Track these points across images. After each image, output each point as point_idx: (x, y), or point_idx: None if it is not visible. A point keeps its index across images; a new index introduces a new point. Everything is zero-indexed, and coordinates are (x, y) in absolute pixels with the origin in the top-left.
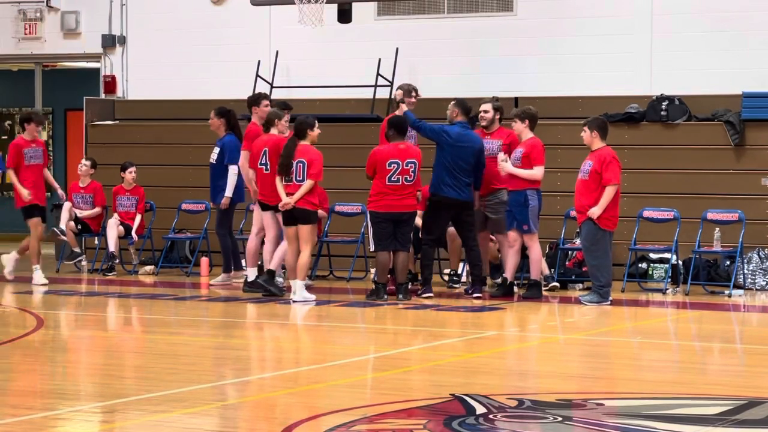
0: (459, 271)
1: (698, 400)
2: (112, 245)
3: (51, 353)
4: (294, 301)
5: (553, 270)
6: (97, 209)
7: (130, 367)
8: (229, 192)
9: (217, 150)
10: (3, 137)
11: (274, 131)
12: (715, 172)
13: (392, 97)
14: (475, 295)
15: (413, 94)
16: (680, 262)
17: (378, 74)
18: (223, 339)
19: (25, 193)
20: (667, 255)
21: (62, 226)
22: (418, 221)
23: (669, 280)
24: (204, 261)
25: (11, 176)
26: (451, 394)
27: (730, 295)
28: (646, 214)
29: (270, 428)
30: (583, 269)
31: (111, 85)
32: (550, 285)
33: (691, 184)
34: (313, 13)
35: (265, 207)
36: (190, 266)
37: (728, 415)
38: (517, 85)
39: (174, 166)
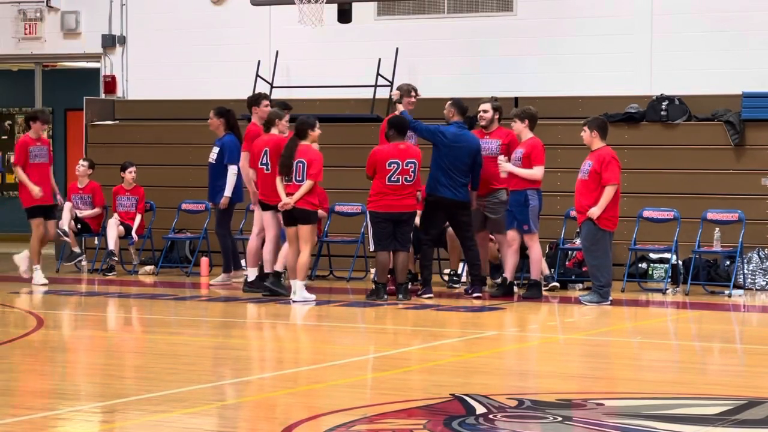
0: (459, 271)
1: (698, 400)
2: (112, 245)
3: (51, 353)
4: (294, 301)
5: (553, 270)
6: (97, 209)
7: (130, 367)
8: (228, 192)
9: (216, 150)
10: (3, 137)
11: (274, 131)
12: (715, 172)
13: (389, 97)
14: (474, 294)
15: (413, 93)
16: (680, 262)
17: (378, 74)
18: (223, 339)
19: (36, 190)
20: (667, 255)
21: (64, 227)
22: (418, 221)
23: (669, 280)
24: (204, 261)
25: (19, 174)
26: (451, 394)
27: (730, 295)
28: (646, 214)
29: (270, 428)
30: (583, 269)
31: (111, 85)
32: (550, 285)
33: (691, 184)
34: (313, 13)
35: (265, 207)
36: (190, 266)
37: (728, 415)
38: (517, 85)
39: (174, 166)
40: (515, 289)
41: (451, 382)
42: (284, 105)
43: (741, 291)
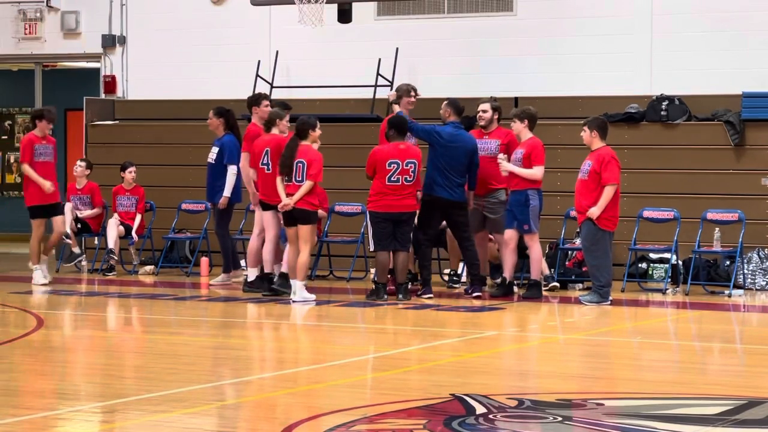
0: (459, 271)
1: (698, 400)
2: (112, 244)
3: (51, 353)
4: (294, 301)
5: (553, 270)
6: (97, 209)
7: (130, 367)
8: (227, 192)
9: (215, 150)
10: (3, 137)
11: (275, 131)
12: (715, 172)
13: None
14: (474, 294)
15: (412, 93)
16: (680, 262)
17: (378, 74)
18: (223, 339)
19: (47, 185)
20: (667, 255)
21: (66, 228)
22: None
23: (669, 280)
24: (204, 261)
25: (27, 170)
26: (451, 394)
27: (730, 295)
28: (646, 214)
29: (270, 428)
30: (583, 269)
31: (111, 85)
32: (550, 285)
33: (691, 184)
34: (313, 13)
35: (266, 206)
36: (190, 266)
37: (728, 415)
38: (517, 85)
39: (174, 166)
40: (515, 289)
41: (451, 382)
42: (284, 105)
43: (741, 291)
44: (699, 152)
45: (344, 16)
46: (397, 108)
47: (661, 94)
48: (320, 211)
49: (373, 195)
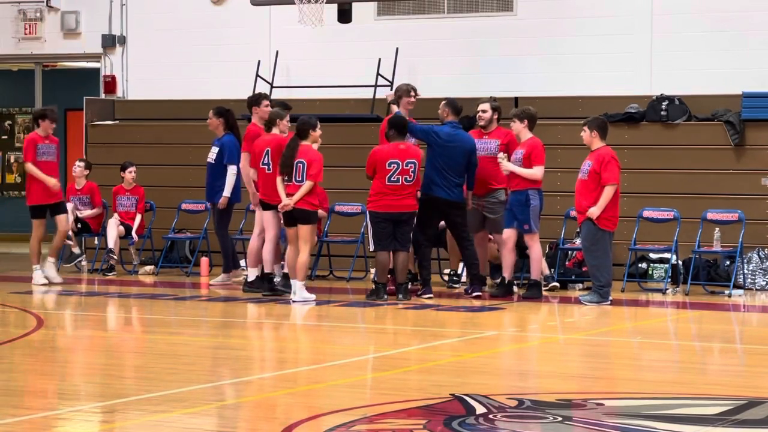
0: (459, 271)
1: (698, 400)
2: (112, 244)
3: (51, 353)
4: (294, 301)
5: (553, 270)
6: (97, 209)
7: (130, 367)
8: (227, 192)
9: (215, 150)
10: (3, 137)
11: (275, 131)
12: (715, 172)
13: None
14: (474, 294)
15: (412, 93)
16: (680, 262)
17: (378, 74)
18: (223, 339)
19: (53, 182)
20: (667, 255)
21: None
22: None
23: (669, 280)
24: (204, 261)
25: (31, 169)
26: (450, 394)
27: (730, 295)
28: (646, 214)
29: (270, 428)
30: (583, 269)
31: (111, 85)
32: (550, 285)
33: (691, 184)
34: (313, 13)
35: (266, 206)
36: (190, 266)
37: (728, 415)
38: (517, 85)
39: (174, 166)
40: (515, 289)
41: (451, 382)
42: (284, 105)
43: (741, 291)
44: (699, 152)
45: (344, 16)
46: (394, 108)
47: (661, 94)
48: (320, 211)
49: (373, 195)
